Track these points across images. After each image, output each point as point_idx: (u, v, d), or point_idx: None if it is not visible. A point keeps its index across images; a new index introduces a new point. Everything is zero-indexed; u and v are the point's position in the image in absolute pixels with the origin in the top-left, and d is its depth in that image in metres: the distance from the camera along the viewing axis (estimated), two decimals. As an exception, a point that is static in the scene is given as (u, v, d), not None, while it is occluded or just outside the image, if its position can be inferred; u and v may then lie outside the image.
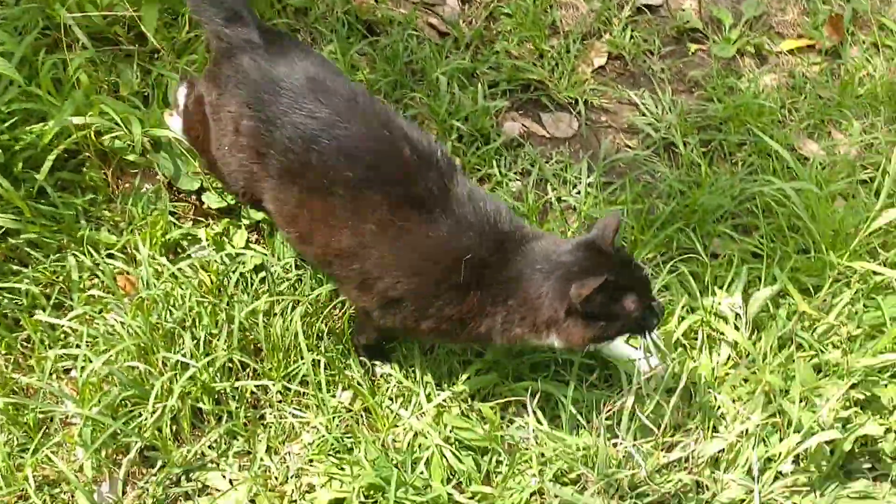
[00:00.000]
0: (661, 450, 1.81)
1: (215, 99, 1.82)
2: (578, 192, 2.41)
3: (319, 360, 1.95)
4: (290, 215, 1.76)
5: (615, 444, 1.79)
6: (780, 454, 1.86)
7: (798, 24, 2.84)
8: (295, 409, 1.92)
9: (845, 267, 2.19)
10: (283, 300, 2.00)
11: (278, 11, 2.47)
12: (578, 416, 1.86)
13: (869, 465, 1.99)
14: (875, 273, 2.18)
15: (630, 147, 2.58)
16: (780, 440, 1.89)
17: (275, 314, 1.98)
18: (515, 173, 2.46)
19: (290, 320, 1.96)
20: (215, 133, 1.84)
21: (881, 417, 1.98)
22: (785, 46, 2.78)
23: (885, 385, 2.01)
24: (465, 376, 1.95)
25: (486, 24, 2.69)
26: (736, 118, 2.57)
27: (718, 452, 1.88)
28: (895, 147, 2.37)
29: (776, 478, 1.89)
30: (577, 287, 1.57)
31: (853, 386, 1.96)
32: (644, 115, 2.63)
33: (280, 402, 1.93)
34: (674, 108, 2.61)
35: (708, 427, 1.92)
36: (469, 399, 1.95)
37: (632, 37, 2.76)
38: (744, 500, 1.87)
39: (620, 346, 1.98)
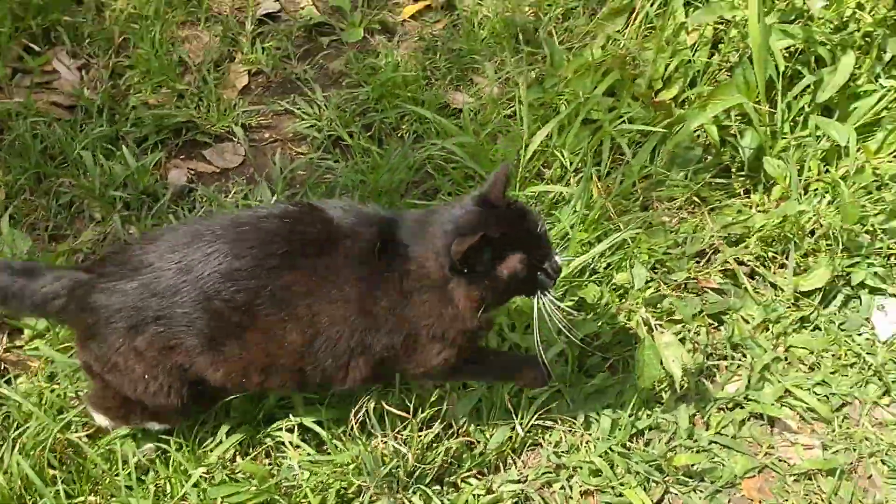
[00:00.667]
0: (422, 428, 1.88)
1: (99, 352, 1.67)
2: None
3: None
4: (248, 361, 1.66)
5: (378, 444, 1.83)
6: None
7: (409, -11, 3.00)
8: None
9: (520, 195, 2.39)
10: None
11: None
12: (340, 434, 1.89)
13: (600, 359, 2.20)
14: (546, 192, 2.40)
15: (302, 153, 2.61)
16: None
17: None
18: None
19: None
20: (121, 377, 1.69)
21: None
22: (406, 13, 2.92)
23: (586, 285, 2.23)
24: (216, 443, 1.89)
25: (112, 83, 2.57)
26: (386, 95, 2.67)
27: (474, 407, 2.00)
28: (521, 76, 2.58)
29: (530, 404, 2.04)
30: (456, 244, 1.52)
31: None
32: (303, 119, 2.65)
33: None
34: (328, 104, 2.66)
35: (459, 387, 2.03)
36: (230, 462, 1.90)
37: (264, 49, 2.76)
38: (512, 437, 2.01)
39: None
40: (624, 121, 2.45)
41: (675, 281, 2.34)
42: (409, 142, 2.57)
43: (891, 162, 2.40)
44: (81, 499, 1.80)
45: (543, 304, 1.67)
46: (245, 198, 2.46)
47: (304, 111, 2.66)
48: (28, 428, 1.86)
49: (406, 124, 2.65)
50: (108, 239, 2.31)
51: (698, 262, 2.44)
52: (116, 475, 1.81)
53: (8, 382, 1.98)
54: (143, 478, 1.85)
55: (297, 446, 1.86)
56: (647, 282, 2.30)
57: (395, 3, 2.97)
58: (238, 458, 1.89)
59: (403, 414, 1.81)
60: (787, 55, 2.41)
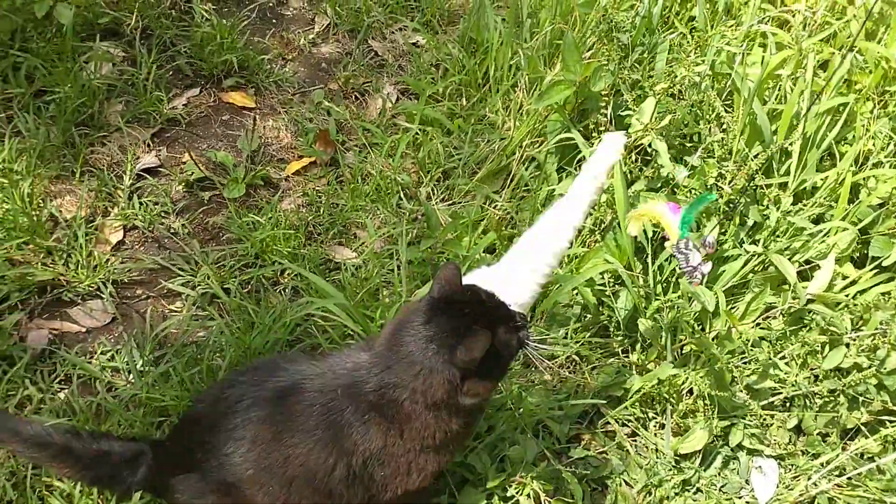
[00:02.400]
0: None
1: None
2: (133, 380, 2.28)
3: None
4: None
5: None
6: None
7: (294, 146, 3.02)
8: None
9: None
10: None
11: None
12: None
13: None
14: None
15: (175, 311, 2.52)
16: None
17: None
18: (59, 383, 2.27)
19: None
20: None
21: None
22: (290, 170, 2.93)
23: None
24: None
25: (-28, 239, 2.46)
26: (267, 250, 2.63)
27: None
28: (401, 235, 2.60)
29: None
30: (461, 354, 1.59)
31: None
32: (178, 275, 2.58)
33: None
34: (206, 260, 2.60)
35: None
36: None
37: (141, 203, 2.71)
38: None
39: None
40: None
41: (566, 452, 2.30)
42: (286, 299, 2.52)
43: (755, 326, 2.46)
44: None
45: (530, 352, 1.77)
46: (111, 359, 2.34)
47: (179, 267, 2.59)
48: None
49: (286, 280, 2.61)
50: (-46, 408, 2.15)
51: (580, 423, 2.42)
52: None
53: None
54: None
55: None
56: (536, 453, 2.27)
57: (280, 159, 2.98)
58: None
59: None
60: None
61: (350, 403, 1.70)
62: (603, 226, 2.57)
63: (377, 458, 1.73)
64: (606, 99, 2.52)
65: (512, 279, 1.91)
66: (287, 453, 1.70)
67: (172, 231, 2.69)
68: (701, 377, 2.32)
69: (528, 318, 1.80)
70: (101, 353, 2.36)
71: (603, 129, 2.54)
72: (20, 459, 2.07)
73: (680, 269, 1.98)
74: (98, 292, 2.50)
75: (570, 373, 2.50)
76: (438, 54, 3.28)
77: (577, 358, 2.51)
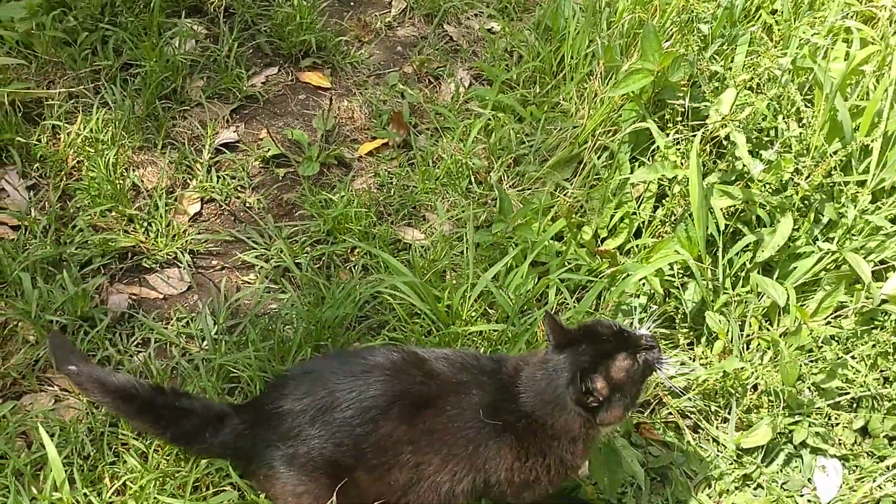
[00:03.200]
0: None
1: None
2: (207, 346, 2.35)
3: None
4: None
5: None
6: None
7: (368, 127, 3.06)
8: None
9: (468, 334, 2.38)
10: None
11: None
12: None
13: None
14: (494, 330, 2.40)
15: (248, 282, 2.59)
16: None
17: None
18: (136, 346, 2.35)
19: None
20: None
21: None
22: (363, 150, 2.98)
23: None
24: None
25: (61, 205, 2.56)
26: (338, 228, 2.68)
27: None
28: (472, 215, 2.63)
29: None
30: (573, 395, 1.74)
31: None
32: (253, 248, 2.65)
33: None
34: (279, 234, 2.67)
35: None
36: None
37: (219, 177, 2.78)
38: None
39: None
40: (570, 268, 2.48)
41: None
42: (357, 275, 2.57)
43: (826, 324, 2.43)
44: None
45: (664, 371, 1.84)
46: (186, 326, 2.42)
47: (254, 240, 2.66)
48: None
49: (356, 257, 2.66)
50: (40, 364, 2.25)
51: (641, 413, 2.42)
52: None
53: None
54: None
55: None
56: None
57: (353, 140, 3.03)
58: None
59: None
60: (727, 214, 2.48)
61: (490, 424, 1.81)
62: (674, 217, 2.56)
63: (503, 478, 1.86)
64: (684, 89, 2.51)
65: None
66: (420, 460, 1.79)
67: (248, 205, 2.76)
68: (768, 371, 2.30)
69: (653, 340, 1.83)
70: (177, 319, 2.44)
71: (679, 119, 2.53)
72: (98, 416, 2.15)
73: None
74: (175, 261, 2.58)
75: (633, 362, 2.50)
76: (513, 41, 3.29)
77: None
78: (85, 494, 1.97)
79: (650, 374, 1.81)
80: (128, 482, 2.03)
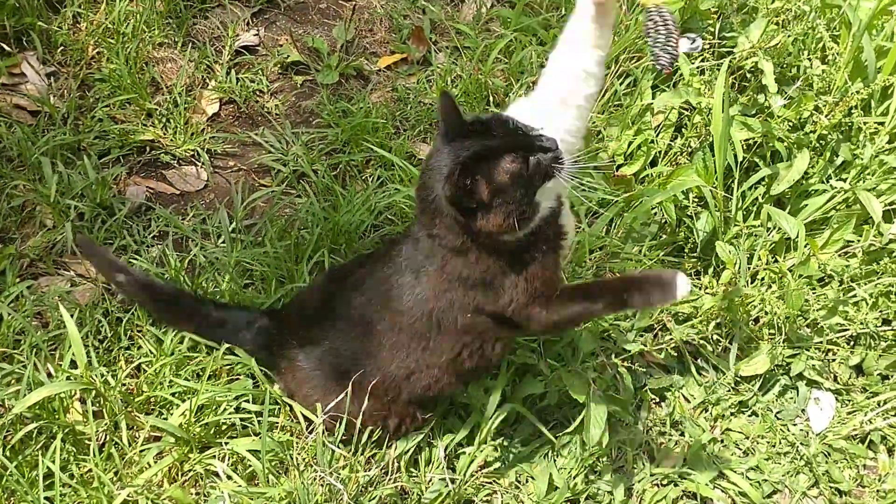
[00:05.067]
0: (361, 470, 1.84)
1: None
2: (224, 242, 2.37)
3: None
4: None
5: (314, 479, 1.79)
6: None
7: (388, 41, 3.04)
8: None
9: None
10: None
11: None
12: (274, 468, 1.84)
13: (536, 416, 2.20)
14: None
15: (264, 185, 2.59)
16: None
17: None
18: (153, 238, 2.37)
19: None
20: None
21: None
22: (382, 63, 2.96)
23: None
24: (144, 466, 1.82)
25: (80, 94, 2.54)
26: (355, 138, 2.68)
27: (412, 457, 1.97)
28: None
29: (472, 461, 2.01)
30: (441, 189, 1.55)
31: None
32: (270, 152, 2.65)
33: None
34: (296, 140, 2.66)
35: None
36: (157, 487, 1.83)
37: (238, 79, 2.76)
38: (447, 493, 1.97)
39: None
40: (585, 189, 2.50)
41: (627, 352, 2.36)
42: (373, 185, 2.58)
43: (837, 257, 2.48)
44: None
45: (564, 178, 1.59)
46: (203, 222, 2.43)
47: (271, 144, 2.66)
48: None
49: (371, 168, 2.66)
50: (57, 248, 2.26)
51: (643, 337, 2.47)
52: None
53: None
54: (64, 493, 1.76)
55: (230, 477, 1.80)
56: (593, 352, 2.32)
57: (373, 53, 3.01)
58: (166, 484, 1.82)
59: (343, 453, 1.77)
60: (745, 146, 2.50)
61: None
62: (691, 148, 2.57)
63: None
64: (713, 18, 2.51)
65: (543, 109, 1.75)
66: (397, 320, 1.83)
67: (266, 110, 2.75)
68: (775, 298, 2.34)
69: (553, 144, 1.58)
70: (194, 216, 2.45)
71: (708, 45, 2.53)
72: (113, 302, 2.17)
73: (648, 42, 1.68)
74: (193, 159, 2.58)
75: (639, 288, 2.54)
76: (538, -37, 3.25)
77: (648, 275, 2.54)
78: (101, 374, 2.00)
79: (544, 180, 1.58)
80: (143, 366, 2.07)
